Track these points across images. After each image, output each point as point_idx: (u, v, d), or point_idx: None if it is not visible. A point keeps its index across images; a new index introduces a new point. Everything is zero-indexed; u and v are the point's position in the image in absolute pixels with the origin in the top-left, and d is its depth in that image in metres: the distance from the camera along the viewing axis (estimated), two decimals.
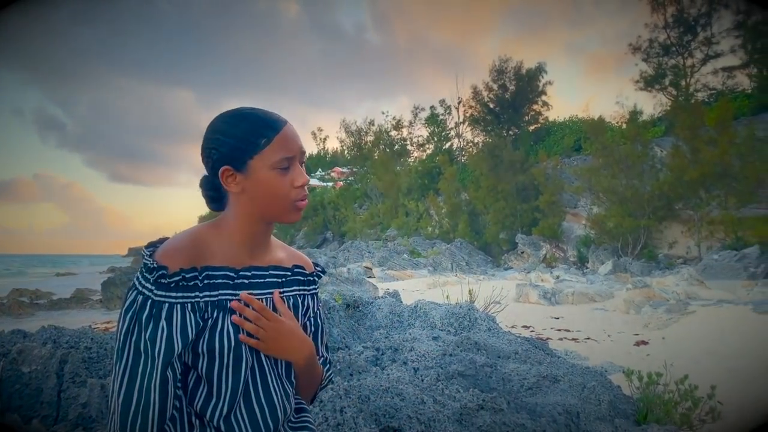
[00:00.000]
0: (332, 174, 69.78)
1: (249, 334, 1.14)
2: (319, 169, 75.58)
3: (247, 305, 1.15)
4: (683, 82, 31.37)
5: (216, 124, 1.16)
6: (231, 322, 1.12)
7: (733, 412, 5.58)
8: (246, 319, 1.14)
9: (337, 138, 77.55)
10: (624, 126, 29.60)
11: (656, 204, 25.16)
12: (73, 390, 2.14)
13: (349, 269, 23.62)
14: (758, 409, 5.64)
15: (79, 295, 20.72)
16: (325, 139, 75.72)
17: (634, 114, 28.85)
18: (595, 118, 31.80)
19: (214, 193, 1.21)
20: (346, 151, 61.57)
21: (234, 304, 1.13)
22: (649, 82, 32.42)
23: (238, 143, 1.12)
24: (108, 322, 13.45)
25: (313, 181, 67.23)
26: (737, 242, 19.83)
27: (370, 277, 22.10)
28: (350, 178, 59.72)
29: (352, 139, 56.61)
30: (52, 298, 20.60)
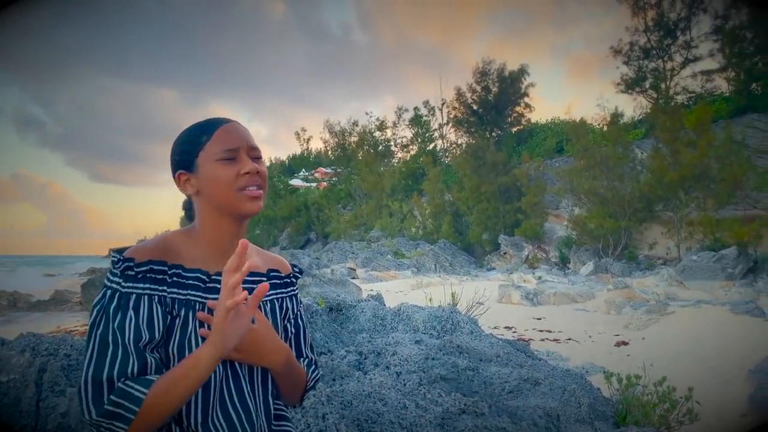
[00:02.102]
0: (316, 174, 69.61)
1: None
2: (303, 170, 75.34)
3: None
4: (663, 85, 31.84)
5: (175, 140, 1.23)
6: (200, 329, 1.12)
7: (711, 412, 5.67)
8: None
9: (321, 138, 77.37)
10: (605, 128, 29.95)
11: (637, 205, 25.51)
12: (52, 399, 2.12)
13: (332, 270, 23.59)
14: (736, 409, 5.74)
15: (58, 297, 20.40)
16: (308, 139, 75.45)
17: (615, 116, 29.22)
18: (577, 121, 32.20)
19: (191, 210, 1.25)
20: (330, 152, 61.44)
21: (199, 314, 1.13)
22: (629, 85, 32.87)
23: (185, 146, 1.19)
24: (87, 325, 13.28)
25: (297, 182, 67.02)
26: (715, 243, 20.16)
27: (354, 278, 22.10)
28: (334, 179, 59.66)
29: (336, 139, 56.53)
30: (31, 300, 20.26)
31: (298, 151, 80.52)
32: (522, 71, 40.92)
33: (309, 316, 3.96)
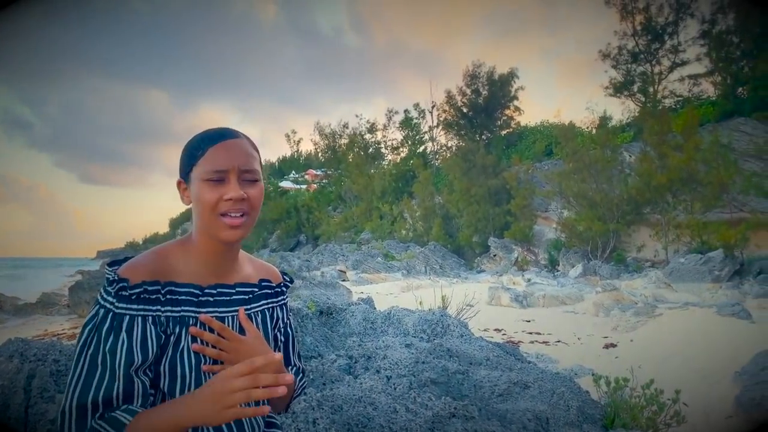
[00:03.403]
0: (306, 176, 69.53)
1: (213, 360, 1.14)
2: (293, 172, 75.23)
3: (211, 329, 1.15)
4: (651, 89, 32.15)
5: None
6: (192, 344, 1.12)
7: (698, 413, 5.73)
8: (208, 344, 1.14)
9: (311, 141, 77.24)
10: (594, 131, 30.15)
11: (625, 208, 25.71)
12: (41, 406, 2.10)
13: (323, 273, 23.56)
14: (722, 410, 5.80)
15: (46, 300, 20.18)
16: (299, 141, 75.36)
17: (604, 120, 29.44)
18: (566, 124, 32.41)
19: None
20: (320, 154, 61.38)
21: (192, 329, 1.12)
22: (618, 89, 33.15)
23: (185, 157, 1.17)
24: (75, 327, 13.16)
25: (287, 184, 66.88)
26: (702, 246, 20.36)
27: (344, 280, 22.06)
28: (324, 181, 59.60)
29: (326, 141, 56.49)
30: (18, 303, 20.04)
31: (288, 153, 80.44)
32: (511, 75, 41.17)
33: (299, 320, 3.96)
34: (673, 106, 30.01)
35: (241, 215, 1.13)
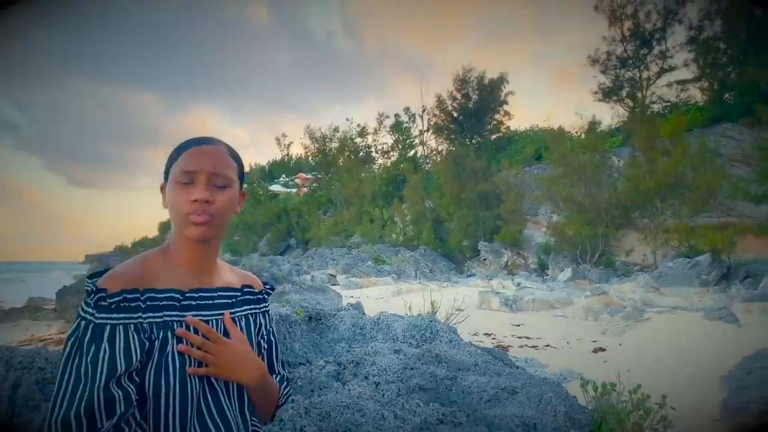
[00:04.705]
0: (296, 180, 69.41)
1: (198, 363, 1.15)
2: (283, 175, 75.05)
3: (195, 331, 1.16)
4: (639, 94, 32.40)
5: None
6: (178, 345, 1.13)
7: (685, 417, 5.77)
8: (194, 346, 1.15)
9: (302, 144, 77.14)
10: (583, 136, 30.35)
11: (614, 212, 25.89)
12: (27, 415, 2.09)
13: (313, 277, 23.52)
14: (709, 414, 5.85)
15: (32, 305, 19.99)
16: (289, 145, 75.16)
17: (593, 124, 29.65)
18: (556, 128, 32.59)
19: None
20: (310, 157, 61.25)
21: (179, 330, 1.14)
22: (607, 94, 33.38)
23: (168, 161, 1.23)
24: (63, 332, 13.04)
25: (277, 187, 66.72)
26: (690, 250, 20.52)
27: (334, 284, 22.03)
28: (314, 185, 59.48)
29: (317, 145, 56.40)
30: (3, 307, 19.83)
31: (279, 157, 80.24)
32: (501, 79, 41.36)
33: (288, 326, 3.95)
34: (662, 112, 30.26)
35: (206, 215, 1.16)
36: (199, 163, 1.17)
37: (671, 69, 31.35)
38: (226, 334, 1.22)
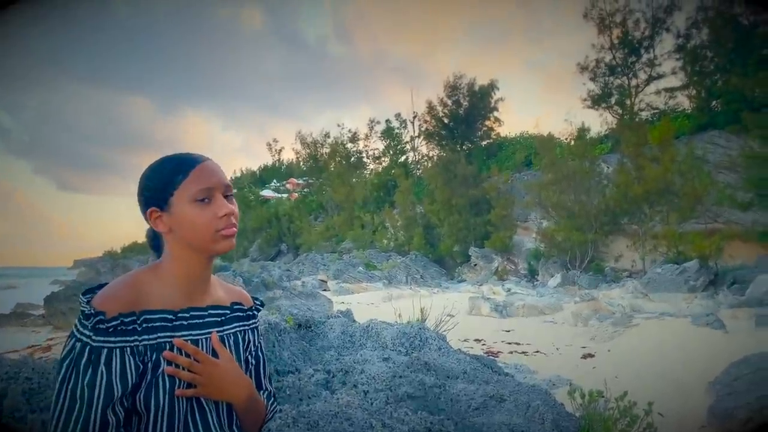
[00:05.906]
0: (287, 185, 69.27)
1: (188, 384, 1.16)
2: (274, 180, 74.86)
3: (182, 352, 1.16)
4: (628, 101, 32.64)
5: (144, 173, 1.23)
6: (168, 365, 1.14)
7: (672, 423, 5.82)
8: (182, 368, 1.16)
9: (293, 149, 77.00)
10: (572, 143, 30.53)
11: (603, 218, 26.04)
12: (13, 426, 2.08)
13: (303, 282, 23.47)
14: (696, 420, 5.90)
15: (20, 311, 19.78)
16: (280, 150, 75.05)
17: (582, 131, 29.82)
18: (545, 135, 32.75)
19: (155, 240, 1.26)
20: (301, 163, 61.20)
21: (167, 353, 1.14)
22: (596, 101, 33.60)
23: (159, 184, 1.19)
24: (51, 340, 12.92)
25: (268, 192, 66.56)
26: (678, 256, 20.66)
27: (325, 290, 21.99)
28: (306, 190, 59.42)
29: (308, 150, 56.36)
30: None
31: (270, 162, 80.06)
32: (491, 86, 41.52)
33: (277, 335, 3.95)
34: (650, 119, 30.47)
35: (233, 227, 1.19)
36: (214, 179, 1.19)
37: (659, 77, 31.66)
38: (214, 353, 1.22)
